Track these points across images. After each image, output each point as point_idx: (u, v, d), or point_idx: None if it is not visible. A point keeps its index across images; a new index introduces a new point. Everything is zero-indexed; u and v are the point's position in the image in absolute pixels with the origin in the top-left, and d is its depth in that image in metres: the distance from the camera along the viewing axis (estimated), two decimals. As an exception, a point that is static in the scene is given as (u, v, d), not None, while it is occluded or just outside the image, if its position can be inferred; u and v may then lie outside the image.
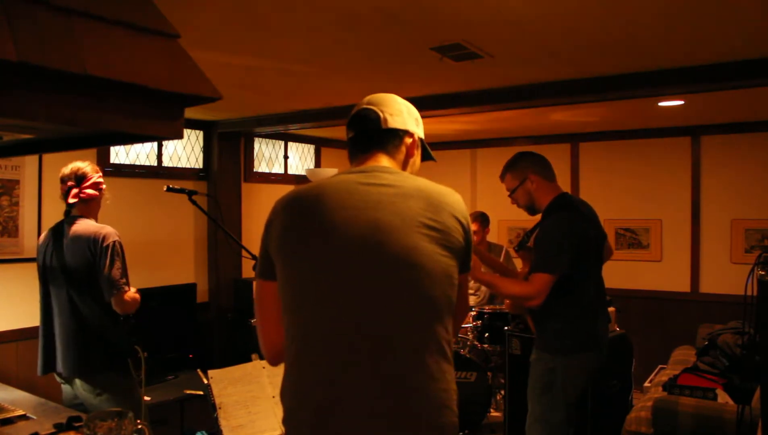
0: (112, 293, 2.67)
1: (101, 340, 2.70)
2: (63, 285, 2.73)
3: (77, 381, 2.73)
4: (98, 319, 2.71)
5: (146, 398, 2.89)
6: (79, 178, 2.82)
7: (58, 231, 2.83)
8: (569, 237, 2.62)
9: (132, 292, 2.76)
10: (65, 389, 2.85)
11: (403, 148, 1.58)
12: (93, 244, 2.70)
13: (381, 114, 1.56)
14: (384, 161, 1.54)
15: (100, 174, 2.91)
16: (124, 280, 2.70)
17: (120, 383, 2.71)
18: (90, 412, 2.61)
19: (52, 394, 2.89)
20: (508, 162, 2.90)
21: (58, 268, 2.75)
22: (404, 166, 1.59)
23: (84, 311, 2.70)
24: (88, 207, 2.86)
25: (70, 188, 2.82)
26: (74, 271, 2.71)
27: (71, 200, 2.80)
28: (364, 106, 1.59)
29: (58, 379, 2.85)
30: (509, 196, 2.88)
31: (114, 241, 2.72)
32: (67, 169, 2.85)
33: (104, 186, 2.92)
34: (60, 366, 2.75)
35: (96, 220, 2.88)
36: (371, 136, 1.56)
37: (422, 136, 1.65)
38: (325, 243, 1.39)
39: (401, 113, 1.58)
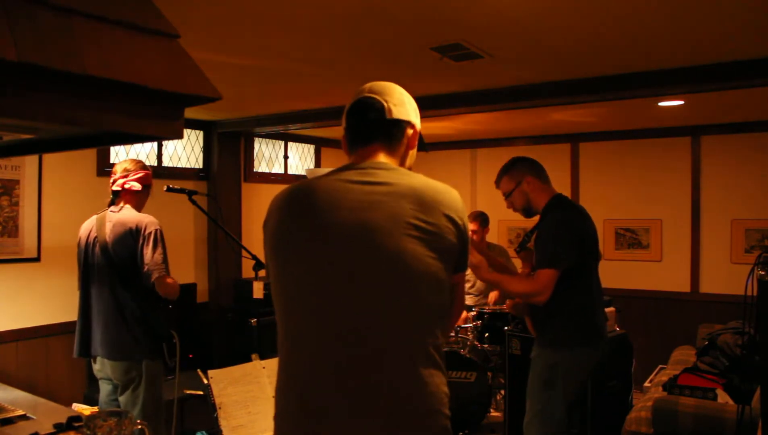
0: (155, 276, 2.78)
1: (141, 324, 2.82)
2: (105, 270, 2.84)
3: (112, 363, 2.83)
4: (139, 304, 2.82)
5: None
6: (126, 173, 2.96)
7: (102, 219, 2.93)
8: (570, 232, 2.67)
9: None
10: (103, 387, 2.94)
11: (405, 141, 1.52)
12: (135, 231, 2.83)
13: (385, 104, 1.48)
14: (383, 156, 1.48)
15: (148, 172, 3.02)
16: (165, 265, 2.83)
17: (152, 367, 2.84)
18: (122, 398, 2.83)
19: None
20: (503, 167, 2.96)
21: (100, 255, 2.86)
22: (403, 158, 1.53)
23: (125, 296, 2.82)
24: (133, 199, 2.97)
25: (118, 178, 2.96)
26: (117, 258, 2.83)
27: (115, 188, 2.94)
28: (367, 95, 1.50)
29: (95, 369, 2.93)
30: (506, 199, 2.95)
31: (155, 229, 2.86)
32: (115, 168, 3.00)
33: (149, 183, 3.02)
34: (97, 349, 2.85)
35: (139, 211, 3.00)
36: (374, 127, 1.49)
37: (420, 127, 1.59)
38: (316, 245, 1.36)
39: (404, 103, 1.52)
